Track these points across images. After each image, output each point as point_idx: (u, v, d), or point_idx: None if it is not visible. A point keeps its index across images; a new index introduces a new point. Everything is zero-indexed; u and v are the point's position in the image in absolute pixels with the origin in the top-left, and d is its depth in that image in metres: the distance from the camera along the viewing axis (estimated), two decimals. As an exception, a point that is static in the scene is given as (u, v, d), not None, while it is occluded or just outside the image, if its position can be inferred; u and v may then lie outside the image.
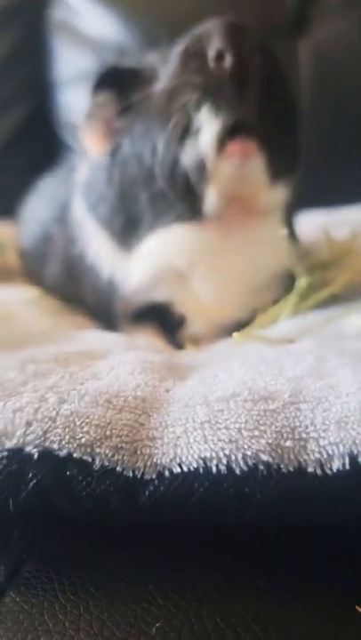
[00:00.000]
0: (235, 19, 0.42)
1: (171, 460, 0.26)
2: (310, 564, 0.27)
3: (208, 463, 0.26)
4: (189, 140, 0.42)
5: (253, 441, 0.26)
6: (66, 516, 0.27)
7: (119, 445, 0.27)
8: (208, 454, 0.26)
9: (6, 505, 0.26)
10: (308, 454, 0.26)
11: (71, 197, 0.56)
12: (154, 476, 0.26)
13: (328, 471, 0.25)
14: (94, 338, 0.46)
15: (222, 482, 0.26)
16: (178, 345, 0.49)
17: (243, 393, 0.29)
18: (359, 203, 0.74)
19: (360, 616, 0.25)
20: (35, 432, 0.27)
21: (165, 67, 0.45)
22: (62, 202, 0.59)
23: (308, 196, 0.56)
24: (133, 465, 0.27)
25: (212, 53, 0.41)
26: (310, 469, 0.26)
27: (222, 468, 0.26)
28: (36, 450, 0.26)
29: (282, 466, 0.26)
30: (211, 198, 0.43)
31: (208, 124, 0.40)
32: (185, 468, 0.26)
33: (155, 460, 0.27)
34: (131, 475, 0.26)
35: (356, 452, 0.25)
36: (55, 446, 0.27)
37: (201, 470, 0.26)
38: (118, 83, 0.48)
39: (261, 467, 0.26)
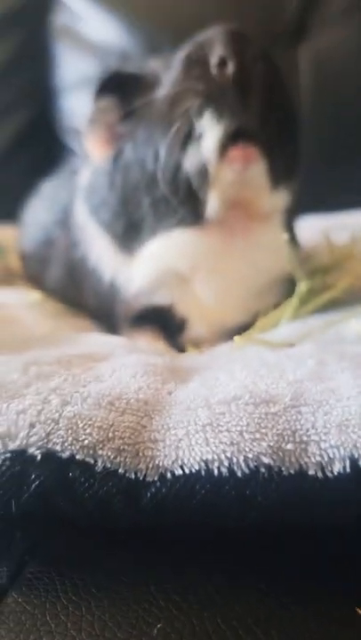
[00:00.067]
0: (237, 26, 0.43)
1: (172, 463, 0.27)
2: (311, 567, 0.27)
3: (210, 465, 0.26)
4: (192, 146, 0.42)
5: (255, 444, 0.26)
6: (68, 518, 0.27)
7: (121, 447, 0.27)
8: (210, 457, 0.26)
9: (9, 506, 0.26)
10: (309, 457, 0.26)
11: (73, 201, 0.56)
12: (156, 478, 0.26)
13: (329, 474, 0.26)
14: (96, 341, 0.46)
15: (224, 484, 0.26)
16: (179, 348, 0.49)
17: (244, 396, 0.30)
18: (359, 208, 0.75)
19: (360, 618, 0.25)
20: (38, 434, 0.27)
21: (168, 73, 0.45)
22: (64, 205, 0.59)
23: (309, 201, 0.56)
24: (135, 467, 0.27)
25: (214, 60, 0.41)
26: (311, 472, 0.26)
27: (224, 470, 0.26)
28: (38, 451, 0.27)
29: (283, 468, 0.26)
30: (212, 203, 0.43)
31: (210, 130, 0.41)
32: (187, 471, 0.26)
33: (157, 462, 0.27)
34: (133, 477, 0.26)
35: (356, 455, 0.26)
36: (58, 448, 0.27)
37: (202, 472, 0.26)
38: (121, 88, 0.48)
39: (263, 469, 0.26)
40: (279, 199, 0.46)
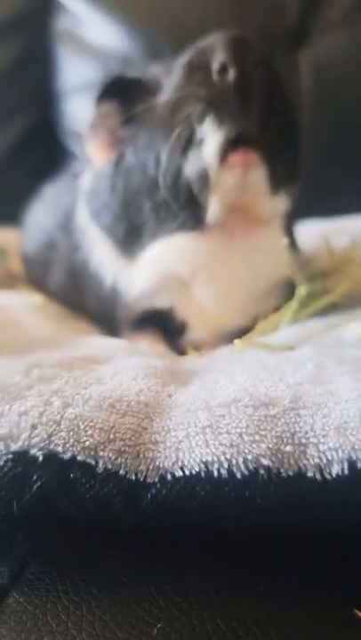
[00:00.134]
0: (238, 33, 0.43)
1: (173, 464, 0.27)
2: (310, 569, 0.28)
3: (209, 467, 0.26)
4: (192, 151, 0.42)
5: (254, 445, 0.27)
6: (69, 519, 0.27)
7: (122, 449, 0.27)
8: (209, 458, 0.27)
9: (11, 507, 0.27)
10: (307, 459, 0.26)
11: (75, 205, 0.56)
12: (156, 480, 0.27)
13: (327, 476, 0.26)
14: (98, 343, 0.46)
15: (223, 486, 0.26)
16: (180, 351, 0.49)
17: (244, 399, 0.30)
18: (359, 212, 0.75)
19: (359, 620, 0.25)
20: (39, 435, 0.28)
21: (169, 78, 0.45)
22: (66, 209, 0.59)
23: (309, 205, 0.57)
24: (136, 468, 0.27)
25: (215, 66, 0.42)
26: (310, 474, 0.26)
27: (223, 472, 0.26)
28: (40, 452, 0.27)
29: (282, 470, 0.26)
30: (213, 208, 0.44)
31: (211, 136, 0.41)
32: (187, 472, 0.26)
33: (157, 463, 0.27)
34: (133, 478, 0.27)
35: (355, 457, 0.26)
36: (59, 449, 0.27)
37: (202, 474, 0.26)
38: (123, 93, 0.49)
39: (262, 471, 0.26)
40: (279, 204, 0.47)
